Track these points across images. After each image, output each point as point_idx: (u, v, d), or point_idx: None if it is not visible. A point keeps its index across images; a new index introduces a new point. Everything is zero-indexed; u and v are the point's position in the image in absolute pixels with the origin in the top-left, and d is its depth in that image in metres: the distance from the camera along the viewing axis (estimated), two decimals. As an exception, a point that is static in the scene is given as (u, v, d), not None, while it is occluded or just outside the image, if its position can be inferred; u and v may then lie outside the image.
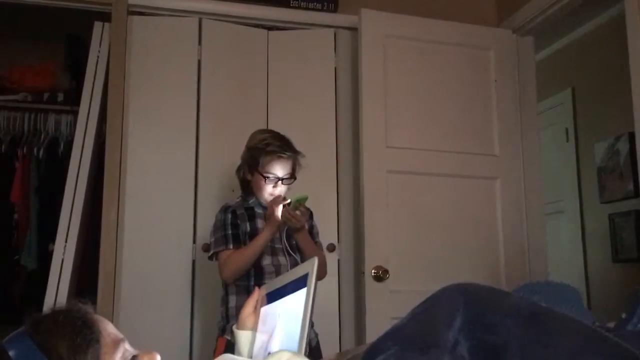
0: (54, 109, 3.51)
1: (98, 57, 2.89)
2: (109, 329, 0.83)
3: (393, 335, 0.80)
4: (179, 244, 2.76)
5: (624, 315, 0.88)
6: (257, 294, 1.19)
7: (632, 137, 2.99)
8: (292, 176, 2.23)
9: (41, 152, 3.40)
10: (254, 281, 2.11)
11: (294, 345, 0.96)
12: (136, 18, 2.87)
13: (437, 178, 2.89)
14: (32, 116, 3.49)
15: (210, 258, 2.23)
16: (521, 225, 3.01)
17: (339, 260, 2.92)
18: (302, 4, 3.03)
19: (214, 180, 2.84)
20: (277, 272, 2.11)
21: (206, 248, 2.74)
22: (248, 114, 2.96)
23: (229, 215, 2.18)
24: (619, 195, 3.53)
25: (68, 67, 3.54)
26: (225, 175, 2.86)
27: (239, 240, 2.15)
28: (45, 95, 3.51)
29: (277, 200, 2.12)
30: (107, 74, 2.82)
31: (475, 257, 2.89)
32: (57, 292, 2.55)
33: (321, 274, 2.29)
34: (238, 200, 2.29)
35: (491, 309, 0.78)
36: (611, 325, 0.91)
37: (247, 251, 2.10)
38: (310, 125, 3.00)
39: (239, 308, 2.03)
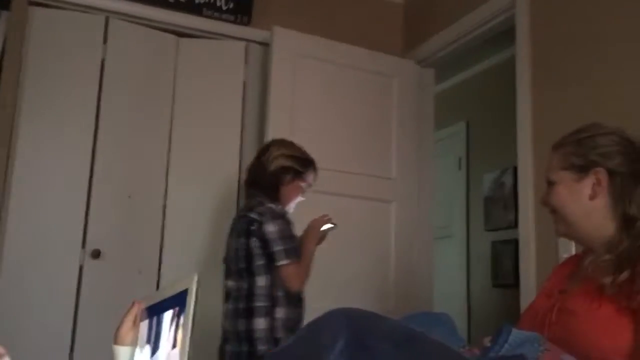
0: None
1: (-8, 45, 2.72)
2: None
3: (277, 357, 0.83)
4: (66, 247, 2.64)
5: (488, 344, 0.95)
6: (137, 307, 1.17)
7: (516, 171, 3.22)
8: None
9: None
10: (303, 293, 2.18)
11: None
12: (38, 9, 2.74)
13: (336, 198, 2.95)
14: None
15: (277, 265, 2.11)
16: (412, 247, 3.14)
17: (233, 273, 2.90)
18: (215, 14, 3.02)
19: (109, 184, 2.75)
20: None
21: (96, 254, 2.65)
22: (150, 119, 2.90)
23: (290, 226, 2.19)
24: (502, 224, 3.78)
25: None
26: (121, 180, 2.78)
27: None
28: None
29: (323, 220, 2.29)
30: (1, 65, 2.66)
31: (368, 277, 2.98)
32: None
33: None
34: (277, 205, 2.21)
35: (370, 333, 0.83)
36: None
37: (309, 265, 2.19)
38: (215, 136, 2.98)
39: (289, 320, 2.08)
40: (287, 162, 2.26)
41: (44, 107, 2.69)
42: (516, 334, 0.91)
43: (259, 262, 2.12)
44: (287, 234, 2.15)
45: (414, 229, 3.18)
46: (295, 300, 2.15)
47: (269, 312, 2.09)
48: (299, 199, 2.31)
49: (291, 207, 2.29)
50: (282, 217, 2.17)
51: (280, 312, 2.10)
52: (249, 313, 2.10)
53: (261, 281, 2.12)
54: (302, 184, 2.29)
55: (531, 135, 2.51)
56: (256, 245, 2.13)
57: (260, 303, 2.10)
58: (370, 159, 3.11)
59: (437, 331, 0.99)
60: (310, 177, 2.31)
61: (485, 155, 4.09)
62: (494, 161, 3.92)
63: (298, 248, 2.16)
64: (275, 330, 2.08)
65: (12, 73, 2.63)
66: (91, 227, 2.68)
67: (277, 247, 2.11)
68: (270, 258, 2.12)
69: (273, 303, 2.10)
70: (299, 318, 2.15)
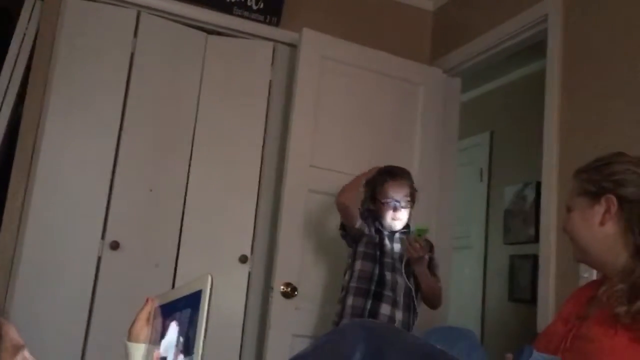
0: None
1: (25, 34, 2.76)
2: (10, 333, 0.79)
3: (294, 364, 0.82)
4: (85, 238, 2.67)
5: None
6: (150, 305, 1.17)
7: (539, 185, 3.18)
8: None
9: (-53, 124, 3.18)
10: (375, 287, 2.31)
11: None
12: (71, 1, 2.76)
13: (355, 202, 2.94)
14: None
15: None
16: (429, 257, 3.12)
17: (249, 273, 2.91)
18: (245, 13, 3.03)
19: (132, 177, 2.77)
20: (393, 289, 2.33)
21: (115, 246, 2.67)
22: (175, 115, 2.92)
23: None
24: (521, 238, 3.74)
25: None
26: (143, 174, 2.80)
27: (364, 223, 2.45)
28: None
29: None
30: (33, 54, 2.70)
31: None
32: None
33: (435, 303, 2.48)
34: None
35: (389, 347, 0.82)
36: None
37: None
38: (238, 134, 2.99)
39: (354, 307, 2.28)
40: None
41: (71, 98, 2.72)
42: (537, 356, 0.90)
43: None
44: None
45: (432, 239, 3.14)
46: (362, 291, 2.34)
47: (342, 300, 2.39)
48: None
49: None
50: None
51: (349, 300, 2.34)
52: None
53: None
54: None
55: (557, 150, 2.48)
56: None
57: (340, 294, 2.44)
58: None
59: (460, 346, 0.98)
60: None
61: (507, 167, 4.05)
62: (517, 174, 3.88)
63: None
64: (344, 316, 2.32)
65: (43, 62, 2.67)
66: (111, 219, 2.70)
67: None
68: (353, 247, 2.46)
69: (346, 292, 2.38)
70: (363, 306, 2.32)
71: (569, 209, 1.37)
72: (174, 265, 2.81)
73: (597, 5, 2.40)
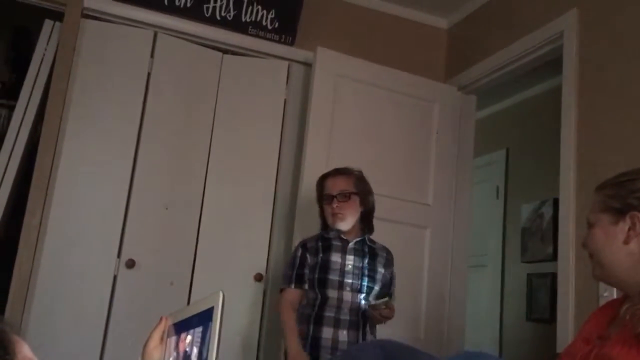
0: (-12, 100, 3.35)
1: (44, 54, 2.80)
2: (24, 351, 0.78)
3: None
4: (102, 256, 2.68)
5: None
6: (164, 324, 1.16)
7: (556, 203, 3.15)
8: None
9: (-32, 143, 3.23)
10: (317, 311, 2.22)
11: None
12: (89, 22, 2.82)
13: (370, 220, 2.93)
14: (-37, 105, 3.32)
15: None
16: (445, 275, 3.09)
17: (265, 291, 2.90)
18: (260, 32, 3.06)
19: (148, 196, 2.78)
20: (339, 307, 2.21)
21: (131, 264, 2.68)
22: (191, 133, 2.94)
23: (299, 252, 2.34)
24: (539, 256, 3.69)
25: (10, 59, 3.41)
26: (159, 192, 2.81)
27: (303, 280, 2.28)
28: (-20, 85, 3.36)
29: None
30: (51, 74, 2.74)
31: (398, 301, 2.91)
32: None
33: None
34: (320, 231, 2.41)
35: (406, 366, 0.81)
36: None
37: (285, 328, 2.24)
38: (253, 153, 3.00)
39: (300, 334, 2.18)
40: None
41: (89, 117, 2.75)
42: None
43: None
44: (289, 261, 2.38)
45: (448, 256, 3.12)
46: (306, 317, 2.25)
47: None
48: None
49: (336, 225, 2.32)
50: (296, 246, 2.42)
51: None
52: None
53: None
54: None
55: (574, 166, 2.45)
56: None
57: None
58: (407, 184, 3.08)
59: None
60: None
61: (524, 185, 4.02)
62: (533, 192, 3.85)
63: (288, 275, 2.32)
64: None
65: (62, 82, 2.71)
66: (127, 237, 2.71)
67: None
68: None
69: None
70: (306, 333, 2.22)
71: (589, 225, 1.34)
72: (189, 284, 2.80)
73: (613, 21, 2.39)
